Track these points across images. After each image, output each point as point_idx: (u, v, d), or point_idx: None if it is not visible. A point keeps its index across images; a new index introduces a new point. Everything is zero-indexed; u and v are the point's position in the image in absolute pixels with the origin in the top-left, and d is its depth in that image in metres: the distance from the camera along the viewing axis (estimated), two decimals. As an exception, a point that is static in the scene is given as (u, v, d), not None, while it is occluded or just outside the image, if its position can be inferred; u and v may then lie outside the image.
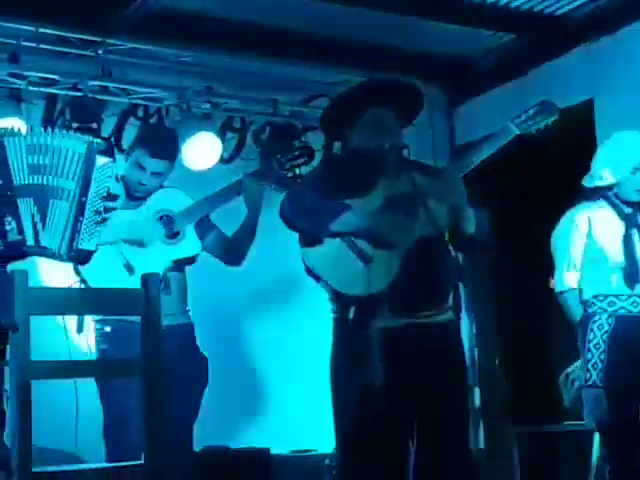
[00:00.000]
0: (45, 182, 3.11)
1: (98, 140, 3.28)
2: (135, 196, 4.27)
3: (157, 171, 4.25)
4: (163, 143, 4.37)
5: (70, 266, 3.90)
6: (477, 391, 5.48)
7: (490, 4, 5.68)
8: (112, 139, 5.49)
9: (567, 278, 4.07)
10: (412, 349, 3.29)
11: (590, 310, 3.97)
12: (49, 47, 5.45)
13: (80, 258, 3.26)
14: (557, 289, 4.13)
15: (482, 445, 5.39)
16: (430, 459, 3.30)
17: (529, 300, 6.63)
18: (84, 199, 3.15)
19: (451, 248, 3.41)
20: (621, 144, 4.11)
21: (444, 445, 3.28)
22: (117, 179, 3.35)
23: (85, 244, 3.18)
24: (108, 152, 3.25)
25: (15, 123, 4.27)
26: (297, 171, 5.90)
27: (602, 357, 3.87)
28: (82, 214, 3.15)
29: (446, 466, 3.29)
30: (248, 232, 4.30)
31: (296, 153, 4.78)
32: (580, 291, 4.03)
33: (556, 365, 4.45)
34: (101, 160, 3.19)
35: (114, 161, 3.25)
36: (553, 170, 6.15)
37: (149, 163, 4.23)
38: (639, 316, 3.85)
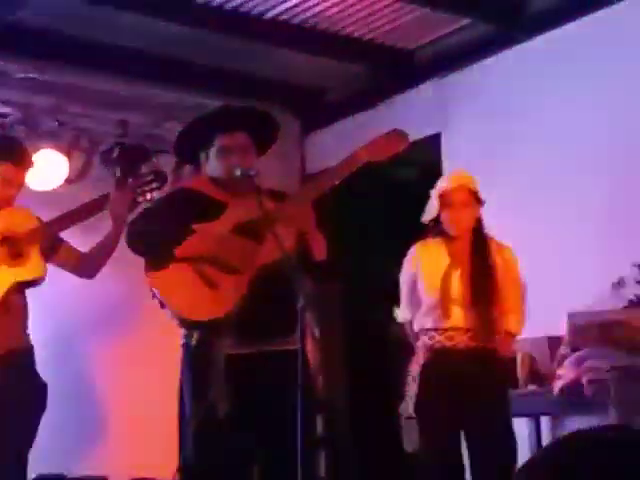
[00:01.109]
0: None
1: None
2: None
3: (10, 178, 4.01)
4: (17, 150, 4.15)
5: None
6: (320, 421, 5.49)
7: (343, 35, 5.77)
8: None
9: (402, 311, 4.15)
10: (256, 378, 3.27)
11: (417, 343, 4.04)
12: None
13: None
14: (398, 320, 4.19)
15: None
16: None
17: (375, 331, 6.72)
18: None
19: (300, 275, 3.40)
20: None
21: (289, 474, 3.27)
22: None
23: None
24: None
25: None
26: (148, 196, 5.77)
27: (416, 389, 3.93)
28: None
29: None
30: (108, 246, 4.12)
31: (148, 177, 4.65)
32: (411, 324, 4.10)
33: (396, 394, 4.48)
34: None
35: None
36: (401, 203, 6.25)
37: (5, 170, 4.00)
38: (452, 349, 3.93)
